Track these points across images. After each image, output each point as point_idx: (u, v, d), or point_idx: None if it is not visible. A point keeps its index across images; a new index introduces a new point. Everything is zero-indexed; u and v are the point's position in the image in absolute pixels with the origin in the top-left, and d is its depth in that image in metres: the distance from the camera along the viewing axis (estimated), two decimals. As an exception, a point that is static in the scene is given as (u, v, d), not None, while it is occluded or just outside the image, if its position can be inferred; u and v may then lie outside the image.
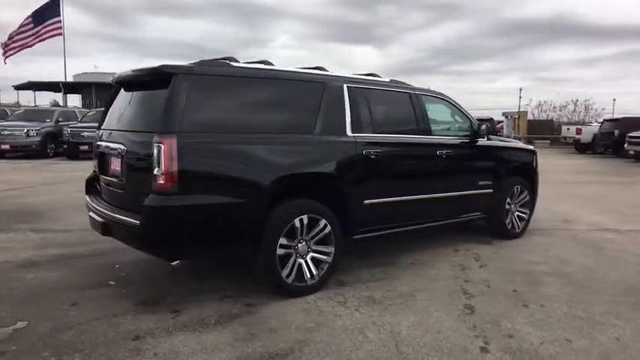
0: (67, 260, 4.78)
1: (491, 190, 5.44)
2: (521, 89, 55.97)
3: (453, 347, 3.05)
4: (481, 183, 5.34)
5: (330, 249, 3.98)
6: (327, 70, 4.42)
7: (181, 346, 3.02)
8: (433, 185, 4.84)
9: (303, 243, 3.86)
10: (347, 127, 4.13)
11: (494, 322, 3.45)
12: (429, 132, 4.89)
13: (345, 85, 4.24)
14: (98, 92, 37.67)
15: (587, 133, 21.75)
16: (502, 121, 28.59)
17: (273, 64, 4.06)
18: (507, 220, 5.72)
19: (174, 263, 3.51)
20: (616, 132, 19.13)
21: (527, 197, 5.93)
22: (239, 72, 3.68)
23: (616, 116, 21.36)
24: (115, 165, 3.80)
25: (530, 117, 33.70)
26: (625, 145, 17.66)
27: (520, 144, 6.24)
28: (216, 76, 3.54)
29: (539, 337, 3.21)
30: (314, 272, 3.90)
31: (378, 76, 4.83)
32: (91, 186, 4.45)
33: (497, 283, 4.27)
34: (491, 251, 5.29)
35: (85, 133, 15.99)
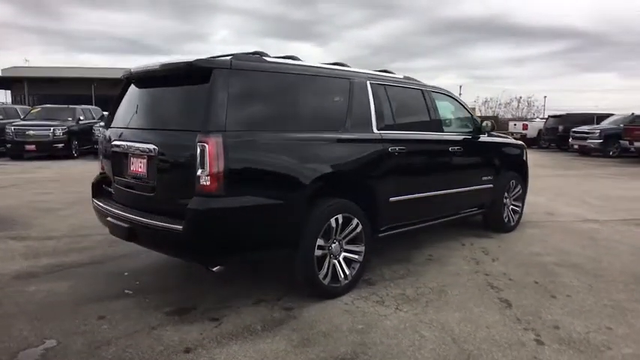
0: (67, 270, 4.41)
1: (492, 185, 5.58)
2: (461, 86, 58.20)
3: (509, 342, 3.09)
4: (484, 178, 5.46)
5: (361, 248, 3.93)
6: (348, 66, 4.34)
7: (240, 356, 2.86)
8: (447, 181, 4.90)
9: (336, 243, 3.78)
10: (373, 125, 4.09)
11: (534, 314, 3.54)
12: (441, 129, 4.95)
13: (368, 82, 4.19)
14: (31, 88, 35.35)
15: (533, 129, 22.95)
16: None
17: (300, 59, 3.93)
18: (505, 214, 5.91)
19: (215, 269, 3.32)
20: (560, 127, 20.32)
21: (520, 191, 6.14)
22: (276, 67, 3.54)
23: (560, 112, 22.67)
24: (138, 166, 3.54)
25: (477, 113, 35.25)
26: (569, 140, 18.81)
27: (512, 139, 6.45)
28: (253, 71, 3.38)
29: (582, 326, 3.32)
30: (347, 272, 3.83)
31: (392, 73, 4.81)
32: (99, 189, 4.13)
33: (516, 275, 4.38)
34: (495, 244, 5.44)
35: (31, 132, 14.99)
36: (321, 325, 3.29)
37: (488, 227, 5.94)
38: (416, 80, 4.96)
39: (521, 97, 40.62)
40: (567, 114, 21.51)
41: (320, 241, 3.60)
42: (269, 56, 3.68)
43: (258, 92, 3.39)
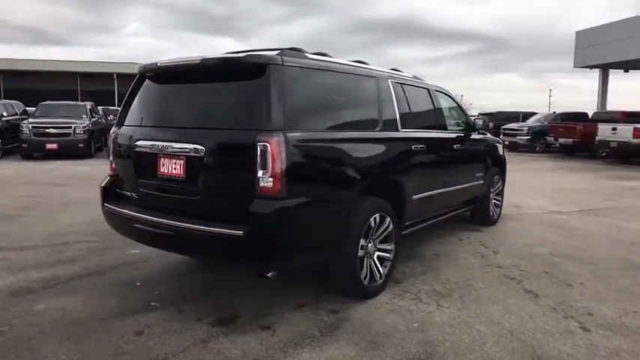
0: (67, 284, 4.00)
1: (482, 181, 5.82)
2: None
3: (558, 330, 3.24)
4: (478, 174, 5.69)
5: (392, 246, 3.93)
6: (368, 64, 4.31)
7: (316, 364, 2.76)
8: (454, 178, 5.04)
9: (372, 243, 3.76)
10: (398, 123, 4.11)
11: (563, 302, 3.73)
12: (445, 127, 5.08)
13: (389, 80, 4.20)
14: None
15: (464, 126, 24.18)
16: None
17: (331, 56, 3.84)
18: (490, 209, 6.18)
19: (269, 274, 3.16)
20: (491, 124, 21.60)
21: (501, 186, 6.46)
22: (319, 64, 3.43)
23: (491, 110, 24.10)
24: (172, 167, 3.28)
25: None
26: (500, 137, 20.04)
27: (490, 136, 6.74)
28: (301, 67, 3.25)
29: (612, 311, 3.56)
30: (381, 271, 3.82)
31: (402, 72, 4.85)
32: (112, 193, 3.77)
33: (525, 266, 4.60)
34: (489, 238, 5.67)
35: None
36: (377, 327, 3.25)
37: (475, 221, 6.17)
38: (422, 79, 5.05)
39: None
40: (497, 112, 22.95)
41: (362, 241, 3.57)
42: (308, 52, 3.56)
43: (306, 89, 3.28)
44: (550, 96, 69.41)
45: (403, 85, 4.42)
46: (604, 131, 15.45)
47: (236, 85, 3.18)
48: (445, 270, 4.46)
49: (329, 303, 3.61)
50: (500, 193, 6.49)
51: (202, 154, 3.09)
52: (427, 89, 4.92)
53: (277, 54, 3.17)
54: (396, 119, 4.09)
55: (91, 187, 9.24)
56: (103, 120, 18.69)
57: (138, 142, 3.48)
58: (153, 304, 3.59)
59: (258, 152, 2.86)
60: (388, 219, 3.83)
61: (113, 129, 3.82)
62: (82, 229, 5.78)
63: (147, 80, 3.69)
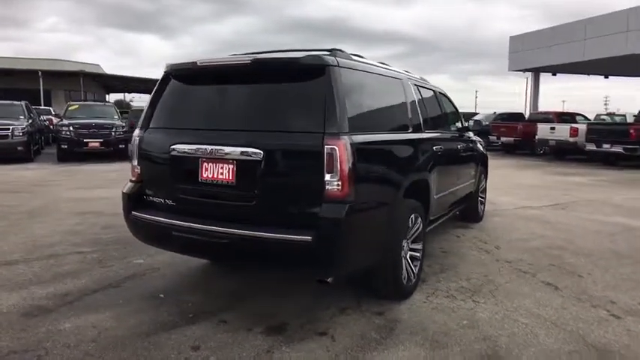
0: (84, 299, 3.71)
1: (474, 180, 6.05)
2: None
3: (594, 319, 3.43)
4: (472, 173, 5.90)
5: (420, 245, 3.99)
6: (390, 66, 4.34)
7: (393, 367, 2.74)
8: (459, 177, 5.21)
9: (406, 243, 3.79)
10: (421, 125, 4.17)
11: (584, 292, 3.96)
12: (449, 128, 5.22)
13: (410, 82, 4.26)
14: None
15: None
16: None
17: (364, 57, 3.82)
18: (479, 206, 6.43)
19: (329, 280, 3.10)
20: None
21: (484, 184, 6.75)
22: (364, 67, 3.43)
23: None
24: (219, 172, 3.12)
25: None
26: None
27: (475, 136, 6.99)
28: (353, 70, 3.22)
29: (629, 298, 3.83)
30: (414, 271, 3.87)
31: (411, 73, 4.92)
32: (138, 200, 3.53)
33: (530, 260, 4.83)
34: (483, 234, 5.89)
35: None
36: (431, 326, 3.29)
37: (464, 218, 6.38)
38: (427, 81, 5.15)
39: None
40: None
41: (403, 242, 3.59)
42: (346, 53, 3.52)
43: (357, 91, 3.25)
44: (476, 97, 73.44)
45: (419, 87, 4.50)
46: (543, 130, 16.56)
47: (291, 87, 3.09)
48: (461, 267, 4.59)
49: (370, 305, 3.60)
50: (484, 191, 6.77)
51: (260, 157, 2.97)
52: (433, 90, 5.04)
53: (330, 55, 3.12)
54: (420, 121, 4.15)
55: (45, 193, 8.66)
56: (39, 121, 17.41)
57: (175, 146, 3.27)
58: (190, 316, 3.40)
59: (326, 156, 2.80)
60: (420, 219, 3.89)
61: (137, 132, 3.57)
62: (64, 240, 5.37)
63: (174, 80, 3.49)
